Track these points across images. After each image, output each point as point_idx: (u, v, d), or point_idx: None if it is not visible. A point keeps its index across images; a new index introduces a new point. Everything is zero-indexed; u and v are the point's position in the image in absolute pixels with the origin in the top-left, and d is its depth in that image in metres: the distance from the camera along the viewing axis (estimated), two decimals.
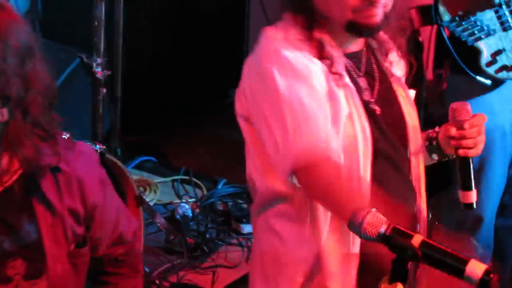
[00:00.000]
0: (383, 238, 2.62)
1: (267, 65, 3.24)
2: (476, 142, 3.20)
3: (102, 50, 5.18)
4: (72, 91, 5.51)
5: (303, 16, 3.32)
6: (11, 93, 2.50)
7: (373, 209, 2.72)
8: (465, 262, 2.47)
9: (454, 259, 2.51)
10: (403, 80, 3.57)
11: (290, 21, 3.33)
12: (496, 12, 4.65)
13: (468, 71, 4.59)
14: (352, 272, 3.47)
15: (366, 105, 3.34)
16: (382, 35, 3.47)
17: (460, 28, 4.62)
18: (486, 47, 4.62)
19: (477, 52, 4.60)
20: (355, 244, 3.41)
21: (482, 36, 4.63)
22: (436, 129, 3.35)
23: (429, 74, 5.64)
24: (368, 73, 3.38)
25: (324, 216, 3.36)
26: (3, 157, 2.62)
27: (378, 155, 3.29)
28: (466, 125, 3.16)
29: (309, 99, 3.22)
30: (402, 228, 2.62)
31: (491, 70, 4.49)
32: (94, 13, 5.15)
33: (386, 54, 3.50)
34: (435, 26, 4.77)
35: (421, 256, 2.54)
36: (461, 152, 3.16)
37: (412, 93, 3.59)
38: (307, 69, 3.24)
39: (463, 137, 3.18)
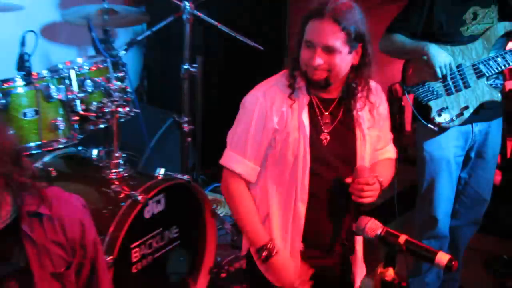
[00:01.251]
0: (379, 238, 3.26)
1: (242, 105, 4.20)
2: (365, 194, 3.96)
3: (187, 111, 5.87)
4: (167, 140, 6.17)
5: (290, 72, 4.12)
6: None
7: (372, 218, 3.39)
8: (435, 253, 3.10)
9: (428, 252, 3.15)
10: (367, 124, 4.24)
11: (286, 72, 4.15)
12: (442, 81, 5.42)
13: (423, 121, 5.47)
14: (297, 241, 4.25)
15: (317, 135, 4.16)
16: (358, 91, 4.16)
17: (418, 92, 5.47)
18: (434, 105, 5.46)
19: (429, 108, 5.44)
20: (297, 220, 4.21)
21: (432, 98, 5.48)
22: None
23: (408, 127, 6.89)
24: (332, 113, 4.15)
25: (271, 194, 4.26)
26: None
27: (313, 173, 4.11)
28: (359, 182, 3.94)
29: (251, 130, 4.15)
30: (391, 231, 3.23)
31: (438, 121, 5.37)
32: (182, 87, 5.84)
33: (361, 102, 4.22)
34: (411, 95, 5.52)
35: (405, 250, 3.17)
36: (353, 197, 3.96)
37: (374, 133, 4.29)
38: (262, 114, 4.13)
39: (358, 190, 3.95)
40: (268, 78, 4.24)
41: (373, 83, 4.23)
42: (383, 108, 4.34)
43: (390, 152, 4.53)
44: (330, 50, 3.89)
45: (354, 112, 4.19)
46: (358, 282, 4.48)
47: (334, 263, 4.39)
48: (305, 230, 4.24)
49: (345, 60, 3.94)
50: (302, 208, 4.18)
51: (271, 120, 4.10)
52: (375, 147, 4.36)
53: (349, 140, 4.18)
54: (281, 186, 4.21)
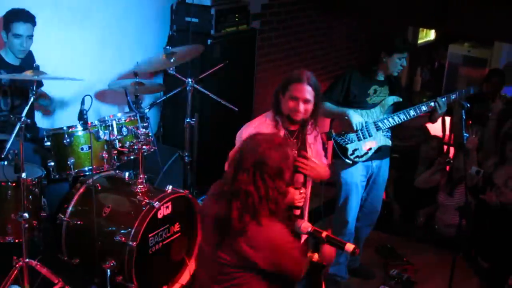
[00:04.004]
0: (309, 234, 3.24)
1: (239, 135, 4.17)
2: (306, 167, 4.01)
3: (188, 148, 5.84)
4: (174, 167, 6.05)
5: (274, 112, 4.21)
6: None
7: (305, 221, 3.42)
8: (344, 244, 3.12)
9: (340, 243, 3.17)
10: (313, 147, 4.31)
11: (271, 114, 4.23)
12: (355, 133, 5.40)
13: (343, 158, 5.44)
14: None
15: None
16: (308, 125, 4.25)
17: (339, 139, 5.45)
18: (350, 148, 5.44)
19: (346, 149, 5.43)
20: None
21: (349, 143, 5.44)
22: None
23: (329, 160, 6.87)
24: (296, 139, 4.21)
25: None
26: None
27: None
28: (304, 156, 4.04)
29: None
30: (317, 229, 3.21)
31: (351, 157, 5.40)
32: (185, 132, 5.82)
33: (308, 135, 4.27)
34: (335, 140, 5.51)
35: (326, 241, 3.15)
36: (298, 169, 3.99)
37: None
38: None
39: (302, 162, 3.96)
40: (254, 119, 4.33)
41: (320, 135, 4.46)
42: (318, 144, 4.46)
43: (325, 160, 4.57)
44: (307, 102, 4.11)
45: (306, 138, 4.29)
46: None
47: None
48: None
49: (311, 107, 4.14)
50: None
51: None
52: (318, 157, 4.40)
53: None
54: None
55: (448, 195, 6.92)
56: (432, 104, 5.53)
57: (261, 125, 4.19)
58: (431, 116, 5.62)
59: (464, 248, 6.31)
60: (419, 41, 12.07)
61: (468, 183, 6.05)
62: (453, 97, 5.61)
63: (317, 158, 4.35)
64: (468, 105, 5.28)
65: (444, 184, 7.02)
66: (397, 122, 5.53)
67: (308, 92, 4.10)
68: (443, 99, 5.54)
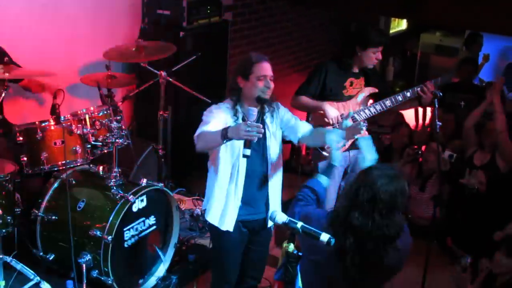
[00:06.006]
0: (285, 224, 3.20)
1: (205, 113, 4.24)
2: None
3: (161, 140, 5.89)
4: (148, 160, 6.10)
5: (233, 94, 4.30)
6: None
7: (282, 212, 3.30)
8: (320, 234, 3.06)
9: (315, 233, 3.09)
10: (273, 127, 4.39)
11: (230, 101, 4.29)
12: (332, 126, 5.38)
13: (319, 150, 5.36)
14: (237, 200, 4.35)
15: None
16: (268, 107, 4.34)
17: None
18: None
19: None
20: (239, 186, 4.32)
21: None
22: None
23: (303, 152, 6.88)
24: (256, 121, 4.09)
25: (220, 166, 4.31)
26: None
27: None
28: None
29: (208, 118, 4.18)
30: (293, 220, 3.17)
31: (328, 150, 4.91)
32: (158, 125, 5.85)
33: (268, 114, 4.35)
34: None
35: (301, 231, 3.11)
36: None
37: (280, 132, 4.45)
38: (217, 115, 4.19)
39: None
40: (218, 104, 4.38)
41: (278, 105, 4.49)
42: (284, 112, 4.52)
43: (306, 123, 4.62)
44: (272, 79, 4.22)
45: (265, 120, 4.36)
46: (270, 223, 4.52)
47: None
48: (243, 195, 4.34)
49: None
50: (241, 179, 4.32)
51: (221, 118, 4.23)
52: (300, 131, 4.52)
53: (265, 136, 4.28)
54: (228, 165, 4.33)
55: (419, 190, 6.98)
56: (409, 94, 5.54)
57: (220, 105, 4.35)
58: (421, 99, 5.53)
59: (439, 236, 6.40)
60: (391, 31, 12.16)
61: (441, 168, 6.13)
62: (439, 82, 5.59)
63: (300, 129, 4.52)
64: (441, 94, 5.32)
65: (414, 177, 7.07)
66: (373, 114, 5.55)
67: (270, 68, 4.22)
68: (433, 81, 5.53)
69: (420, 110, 9.26)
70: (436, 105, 5.26)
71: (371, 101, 5.83)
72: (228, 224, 4.45)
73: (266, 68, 4.18)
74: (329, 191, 5.50)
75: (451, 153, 6.63)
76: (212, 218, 4.50)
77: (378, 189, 3.13)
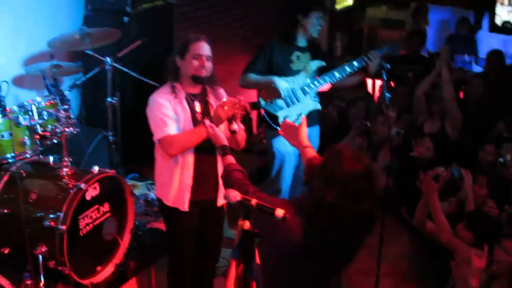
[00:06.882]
0: (239, 202, 3.10)
1: (150, 103, 4.35)
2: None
3: (111, 128, 5.87)
4: (100, 147, 6.09)
5: (171, 79, 4.39)
6: None
7: (235, 190, 3.16)
8: (274, 210, 2.98)
9: (270, 209, 3.00)
10: (213, 103, 4.44)
11: (169, 83, 4.40)
12: (284, 99, 5.53)
13: (273, 125, 5.57)
14: (188, 180, 4.45)
15: (194, 115, 4.35)
16: (210, 88, 4.47)
17: (268, 107, 5.61)
18: (280, 115, 5.57)
19: (277, 117, 5.57)
20: (188, 167, 4.41)
21: (278, 110, 5.58)
22: None
23: (254, 130, 6.95)
24: (200, 101, 4.39)
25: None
26: None
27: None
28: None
29: (162, 116, 4.26)
30: (247, 197, 3.07)
31: None
32: (107, 112, 5.82)
33: (209, 94, 4.47)
34: (264, 109, 5.64)
35: (256, 208, 3.03)
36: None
37: None
38: (165, 105, 4.28)
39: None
40: (159, 88, 4.47)
41: (220, 89, 4.58)
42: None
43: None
44: (209, 59, 4.30)
45: (209, 100, 4.48)
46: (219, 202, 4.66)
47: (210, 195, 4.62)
48: (194, 174, 4.43)
49: (211, 65, 4.36)
50: (191, 159, 4.41)
51: (168, 106, 4.32)
52: None
53: (209, 118, 4.25)
54: None
55: (371, 160, 6.95)
56: (356, 63, 5.66)
57: (160, 91, 4.41)
58: (367, 71, 5.68)
59: (393, 207, 6.47)
60: (337, 6, 12.15)
61: (389, 145, 6.21)
62: (385, 51, 5.73)
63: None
64: (388, 66, 5.41)
65: (365, 149, 7.16)
66: (323, 85, 5.65)
67: (208, 49, 4.28)
68: (375, 52, 5.64)
69: (377, 82, 9.25)
70: (385, 78, 5.34)
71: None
72: (180, 205, 4.53)
73: (202, 47, 4.27)
74: (284, 171, 5.82)
75: (397, 129, 6.66)
76: (165, 200, 4.60)
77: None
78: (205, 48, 4.27)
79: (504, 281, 4.47)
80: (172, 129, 4.27)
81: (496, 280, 4.52)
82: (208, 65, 4.29)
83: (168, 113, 4.28)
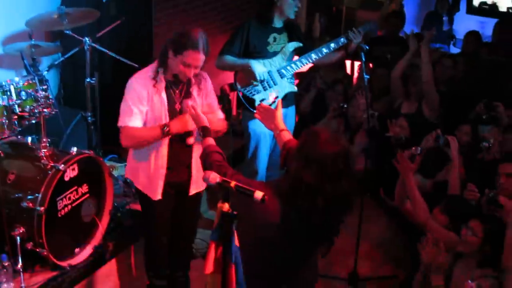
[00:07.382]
0: (218, 184, 3.12)
1: (127, 86, 4.30)
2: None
3: (90, 108, 5.80)
4: (77, 128, 6.09)
5: (159, 63, 4.31)
6: None
7: (214, 172, 3.19)
8: (253, 192, 3.00)
9: (249, 191, 3.03)
10: (198, 99, 4.42)
11: (155, 66, 4.32)
12: (261, 82, 5.55)
13: (250, 108, 5.54)
14: (162, 167, 4.44)
15: (172, 104, 4.32)
16: (193, 79, 4.37)
17: (245, 90, 5.60)
18: (257, 98, 5.58)
19: (253, 101, 5.58)
20: (162, 157, 4.40)
21: (255, 93, 5.58)
22: None
23: (234, 112, 6.99)
24: (180, 91, 4.35)
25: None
26: None
27: None
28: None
29: (132, 105, 4.24)
30: (226, 179, 3.09)
31: None
32: (86, 93, 5.75)
33: (192, 85, 4.39)
34: (241, 92, 5.65)
35: (235, 190, 3.04)
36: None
37: (204, 103, 4.49)
38: (141, 94, 4.23)
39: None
40: (141, 70, 4.42)
41: (205, 75, 4.51)
42: (210, 89, 4.57)
43: (220, 114, 4.62)
44: (198, 67, 4.19)
45: (191, 91, 4.41)
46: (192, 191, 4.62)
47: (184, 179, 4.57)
48: (168, 161, 4.40)
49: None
50: (165, 149, 4.40)
51: (144, 95, 4.28)
52: (211, 111, 4.50)
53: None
54: None
55: (349, 143, 6.98)
56: (333, 44, 5.70)
57: (141, 74, 4.33)
58: (347, 51, 5.70)
59: (371, 188, 6.56)
60: None
61: (364, 127, 6.27)
62: (367, 28, 5.81)
63: (210, 112, 4.47)
64: (367, 47, 5.44)
65: (342, 131, 7.16)
66: (300, 67, 5.67)
67: (201, 60, 4.15)
68: (359, 29, 5.67)
69: (356, 64, 9.24)
70: (363, 59, 5.33)
71: (296, 57, 5.90)
72: (153, 194, 4.55)
73: (196, 59, 4.13)
74: (260, 152, 5.83)
75: (372, 112, 6.66)
76: (136, 183, 4.64)
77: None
78: (199, 60, 4.14)
79: (470, 259, 4.52)
80: (134, 122, 4.26)
81: (462, 258, 4.59)
82: (195, 71, 4.21)
83: (140, 104, 4.25)
